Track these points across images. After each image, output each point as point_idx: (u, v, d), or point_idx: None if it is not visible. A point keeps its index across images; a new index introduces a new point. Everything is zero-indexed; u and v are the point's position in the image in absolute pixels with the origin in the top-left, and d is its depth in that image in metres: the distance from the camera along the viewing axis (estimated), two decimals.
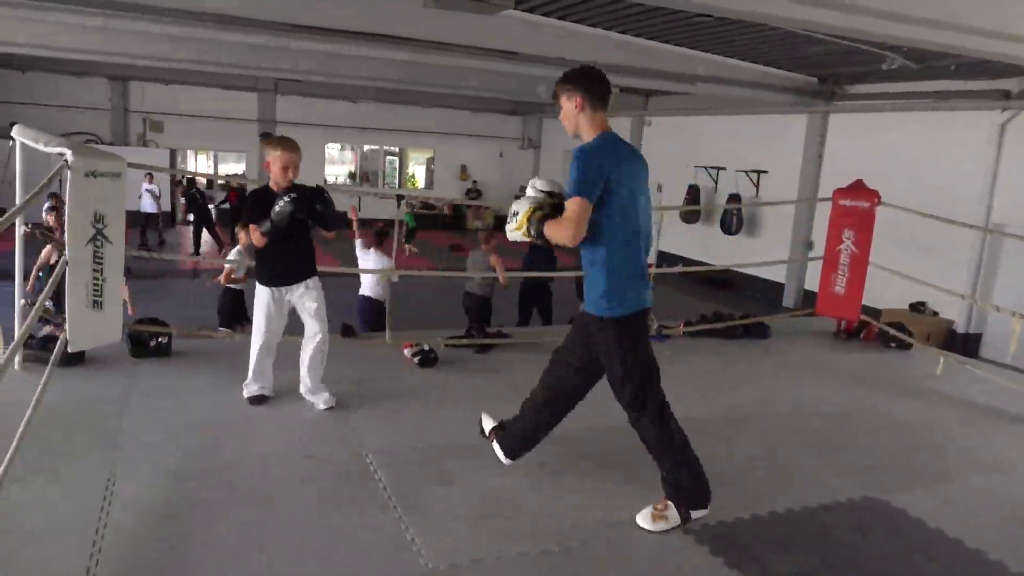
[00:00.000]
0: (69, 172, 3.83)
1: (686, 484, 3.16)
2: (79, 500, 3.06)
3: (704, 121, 15.62)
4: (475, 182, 22.68)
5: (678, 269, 10.06)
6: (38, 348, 4.54)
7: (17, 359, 4.37)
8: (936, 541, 3.25)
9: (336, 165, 23.20)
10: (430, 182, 23.16)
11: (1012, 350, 5.54)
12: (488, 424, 3.60)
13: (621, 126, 18.13)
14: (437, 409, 4.44)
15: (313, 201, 3.90)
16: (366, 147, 22.67)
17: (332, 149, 22.38)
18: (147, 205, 15.47)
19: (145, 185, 15.30)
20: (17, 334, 3.84)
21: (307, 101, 19.63)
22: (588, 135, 3.09)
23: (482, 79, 12.19)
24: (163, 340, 5.06)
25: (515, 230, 3.12)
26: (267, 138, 3.85)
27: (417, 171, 23.88)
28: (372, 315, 6.89)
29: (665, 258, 15.06)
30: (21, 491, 2.98)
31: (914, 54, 9.16)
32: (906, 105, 11.16)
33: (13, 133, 4.16)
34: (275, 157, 3.93)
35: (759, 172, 14.40)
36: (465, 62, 10.36)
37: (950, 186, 10.27)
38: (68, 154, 3.82)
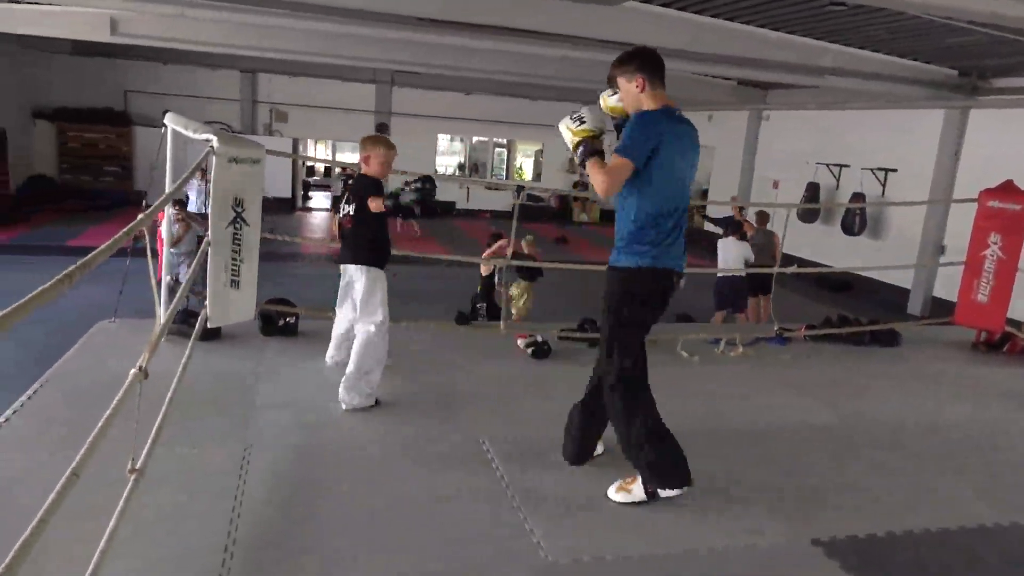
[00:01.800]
0: (214, 157, 4.06)
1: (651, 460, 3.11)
2: (219, 470, 3.25)
3: (827, 116, 14.88)
4: (582, 175, 22.56)
5: (792, 269, 9.64)
6: (180, 323, 4.82)
7: None
8: None
9: (446, 156, 23.61)
10: (538, 174, 23.20)
11: None
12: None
13: (737, 120, 17.55)
14: (551, 402, 4.40)
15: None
16: (475, 139, 22.92)
17: (443, 140, 22.77)
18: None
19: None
20: (161, 309, 4.09)
21: (421, 93, 20.05)
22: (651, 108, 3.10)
23: (599, 71, 12.06)
24: (290, 320, 5.29)
25: (572, 133, 3.15)
26: (375, 136, 4.12)
27: (525, 163, 23.96)
28: None
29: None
30: (167, 458, 3.17)
31: None
32: None
33: (165, 120, 4.42)
34: (385, 154, 4.16)
35: (887, 170, 13.59)
36: (582, 54, 10.27)
37: None
38: (214, 140, 4.04)
